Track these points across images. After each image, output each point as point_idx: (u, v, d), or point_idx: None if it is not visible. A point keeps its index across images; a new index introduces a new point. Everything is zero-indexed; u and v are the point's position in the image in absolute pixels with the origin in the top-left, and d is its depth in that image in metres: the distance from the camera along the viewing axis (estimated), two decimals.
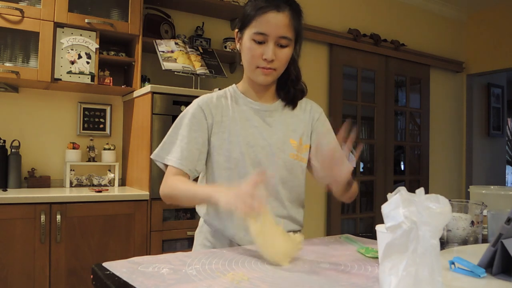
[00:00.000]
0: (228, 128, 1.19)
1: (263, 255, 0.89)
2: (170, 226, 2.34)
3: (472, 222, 1.04)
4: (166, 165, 1.17)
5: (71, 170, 2.51)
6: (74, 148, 2.54)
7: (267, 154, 1.19)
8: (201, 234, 1.28)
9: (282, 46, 1.13)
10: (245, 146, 1.18)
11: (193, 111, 1.19)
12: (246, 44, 1.15)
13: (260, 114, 1.23)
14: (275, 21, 1.10)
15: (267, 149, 1.20)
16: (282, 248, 0.88)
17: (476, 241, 1.05)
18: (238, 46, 1.21)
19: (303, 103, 1.31)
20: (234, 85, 1.29)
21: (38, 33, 2.26)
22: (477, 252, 0.82)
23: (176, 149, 1.16)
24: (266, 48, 1.12)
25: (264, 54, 1.12)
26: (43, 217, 1.98)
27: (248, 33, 1.14)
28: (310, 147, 1.28)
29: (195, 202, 1.18)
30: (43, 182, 2.44)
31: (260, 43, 1.12)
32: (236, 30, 1.21)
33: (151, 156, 1.21)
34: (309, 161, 1.28)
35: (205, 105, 1.20)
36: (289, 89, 1.26)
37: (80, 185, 2.55)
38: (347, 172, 1.01)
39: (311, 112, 1.31)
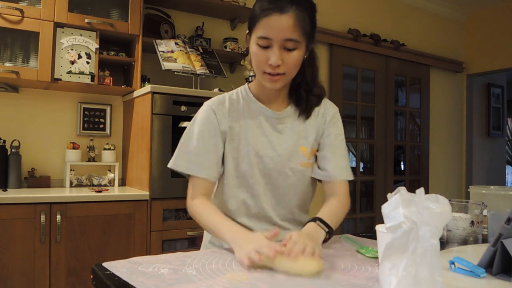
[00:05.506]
0: (238, 135, 1.17)
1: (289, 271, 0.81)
2: (170, 226, 2.34)
3: (472, 222, 1.04)
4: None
5: (71, 170, 2.51)
6: (74, 148, 2.54)
7: (275, 164, 1.17)
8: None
9: (289, 50, 1.05)
10: (254, 156, 1.16)
11: (206, 116, 1.16)
12: (252, 49, 1.08)
13: (271, 121, 1.19)
14: (278, 25, 1.02)
15: (276, 160, 1.17)
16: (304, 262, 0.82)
17: (476, 241, 1.05)
18: (249, 48, 1.16)
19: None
20: (246, 84, 1.24)
21: (38, 33, 2.26)
22: (477, 252, 0.82)
23: (194, 158, 1.13)
24: (271, 53, 1.04)
25: (270, 59, 1.04)
26: (43, 217, 1.98)
27: (254, 37, 1.07)
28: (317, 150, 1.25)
29: (215, 236, 1.16)
30: (43, 182, 2.44)
31: (265, 47, 1.05)
32: (246, 31, 1.15)
33: (169, 166, 1.16)
34: None
35: (218, 110, 1.17)
36: (301, 93, 1.20)
37: (80, 185, 2.55)
38: None
39: (324, 115, 1.24)
